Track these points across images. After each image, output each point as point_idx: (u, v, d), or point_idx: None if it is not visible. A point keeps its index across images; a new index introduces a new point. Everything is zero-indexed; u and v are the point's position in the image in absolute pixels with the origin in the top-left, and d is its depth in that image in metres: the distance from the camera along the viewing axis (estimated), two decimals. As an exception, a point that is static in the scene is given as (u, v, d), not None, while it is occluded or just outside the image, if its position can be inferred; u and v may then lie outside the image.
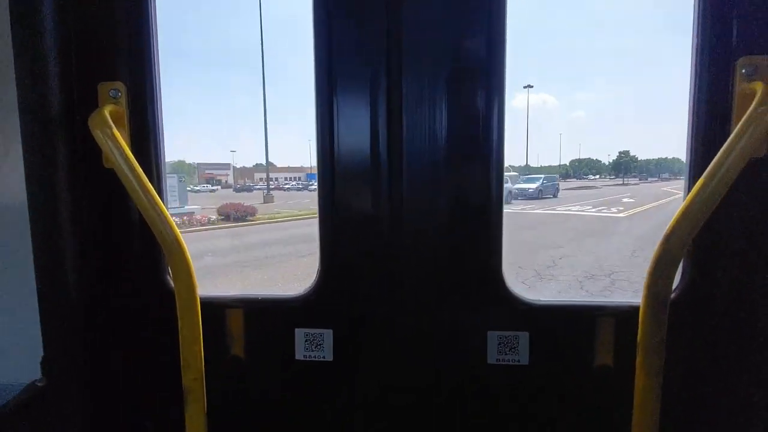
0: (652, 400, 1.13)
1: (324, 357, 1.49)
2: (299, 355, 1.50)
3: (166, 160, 1.50)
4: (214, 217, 17.14)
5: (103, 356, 1.48)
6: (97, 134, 1.24)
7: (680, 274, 1.35)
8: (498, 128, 1.37)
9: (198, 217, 16.94)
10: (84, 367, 1.42)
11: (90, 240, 1.43)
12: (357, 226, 1.44)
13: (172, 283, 1.46)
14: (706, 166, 1.05)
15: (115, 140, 1.24)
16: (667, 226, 1.08)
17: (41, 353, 1.37)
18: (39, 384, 1.38)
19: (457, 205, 1.41)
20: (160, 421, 1.57)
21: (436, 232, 1.42)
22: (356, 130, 1.40)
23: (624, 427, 1.19)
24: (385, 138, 1.39)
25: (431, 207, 1.41)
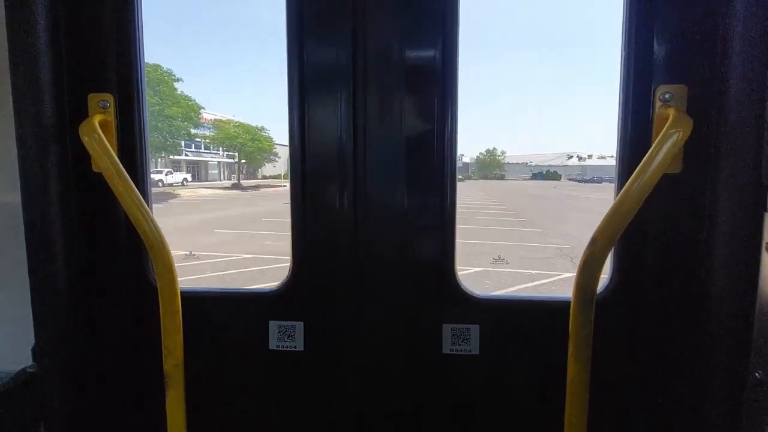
0: (581, 385, 1.27)
1: (295, 347, 1.62)
2: (272, 345, 1.63)
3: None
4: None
5: (90, 346, 1.59)
6: (86, 141, 1.35)
7: (609, 275, 1.50)
8: (451, 137, 1.50)
9: None
10: (72, 355, 1.52)
11: (79, 239, 1.53)
12: (325, 226, 1.57)
13: (155, 278, 1.56)
14: None
15: (104, 146, 1.35)
16: (594, 231, 1.22)
17: (33, 342, 1.46)
18: (30, 370, 1.47)
19: (414, 208, 1.54)
20: (143, 407, 1.68)
21: (396, 234, 1.55)
22: (325, 138, 1.53)
23: (560, 408, 1.32)
24: (351, 145, 1.52)
25: (392, 210, 1.54)
